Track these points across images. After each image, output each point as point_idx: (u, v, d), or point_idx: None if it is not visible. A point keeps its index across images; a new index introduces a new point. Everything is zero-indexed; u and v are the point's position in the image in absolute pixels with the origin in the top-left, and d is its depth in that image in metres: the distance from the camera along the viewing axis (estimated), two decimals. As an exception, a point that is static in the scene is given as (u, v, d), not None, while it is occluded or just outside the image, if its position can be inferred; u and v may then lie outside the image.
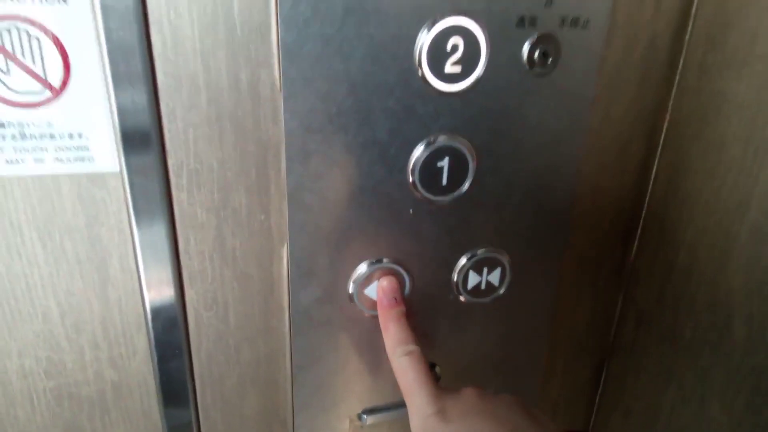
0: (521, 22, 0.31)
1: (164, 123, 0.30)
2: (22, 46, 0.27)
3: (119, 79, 0.28)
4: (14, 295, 0.32)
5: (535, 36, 0.32)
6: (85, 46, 0.28)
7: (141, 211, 0.31)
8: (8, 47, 0.27)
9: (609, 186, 0.41)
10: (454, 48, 0.30)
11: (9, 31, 0.26)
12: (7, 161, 0.29)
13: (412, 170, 0.33)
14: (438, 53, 0.30)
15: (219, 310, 0.35)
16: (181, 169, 0.31)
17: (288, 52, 0.29)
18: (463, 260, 0.37)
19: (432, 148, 0.33)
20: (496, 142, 0.34)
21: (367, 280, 0.35)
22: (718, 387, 0.38)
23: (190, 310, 0.34)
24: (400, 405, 0.36)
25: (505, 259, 0.38)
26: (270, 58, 0.30)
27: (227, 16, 0.28)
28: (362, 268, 0.35)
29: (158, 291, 0.33)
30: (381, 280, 0.36)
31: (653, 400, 0.44)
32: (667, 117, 0.40)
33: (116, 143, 0.29)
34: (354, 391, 0.39)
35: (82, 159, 0.30)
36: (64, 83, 0.28)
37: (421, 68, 0.30)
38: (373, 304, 0.36)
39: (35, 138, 0.29)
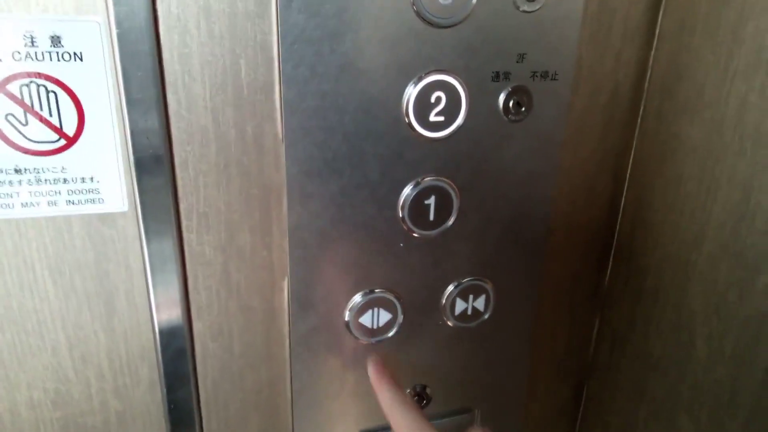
0: (496, 76, 0.34)
1: (177, 172, 0.31)
2: (40, 100, 0.28)
3: (137, 134, 0.29)
4: (25, 330, 0.32)
5: (509, 88, 0.34)
6: (99, 98, 0.29)
7: (154, 251, 0.32)
8: (27, 101, 0.28)
9: (581, 219, 0.43)
10: (438, 100, 0.33)
11: (28, 86, 0.28)
12: (23, 204, 0.30)
13: (402, 207, 0.35)
14: (423, 105, 0.32)
15: (224, 340, 0.36)
16: (191, 213, 0.32)
17: (290, 107, 0.31)
18: (450, 288, 0.38)
19: (419, 187, 0.35)
20: (477, 182, 0.36)
21: (361, 309, 0.37)
22: (685, 401, 0.40)
23: (197, 340, 0.35)
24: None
25: (488, 287, 0.39)
26: (273, 113, 0.32)
27: (235, 77, 0.30)
28: (357, 298, 0.36)
29: (168, 324, 0.34)
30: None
31: (629, 417, 0.45)
32: (631, 157, 0.42)
33: (133, 190, 0.31)
34: (351, 413, 0.40)
35: (93, 200, 0.31)
36: (79, 132, 0.29)
37: (408, 118, 0.33)
38: (367, 331, 0.38)
39: (50, 182, 0.30)
